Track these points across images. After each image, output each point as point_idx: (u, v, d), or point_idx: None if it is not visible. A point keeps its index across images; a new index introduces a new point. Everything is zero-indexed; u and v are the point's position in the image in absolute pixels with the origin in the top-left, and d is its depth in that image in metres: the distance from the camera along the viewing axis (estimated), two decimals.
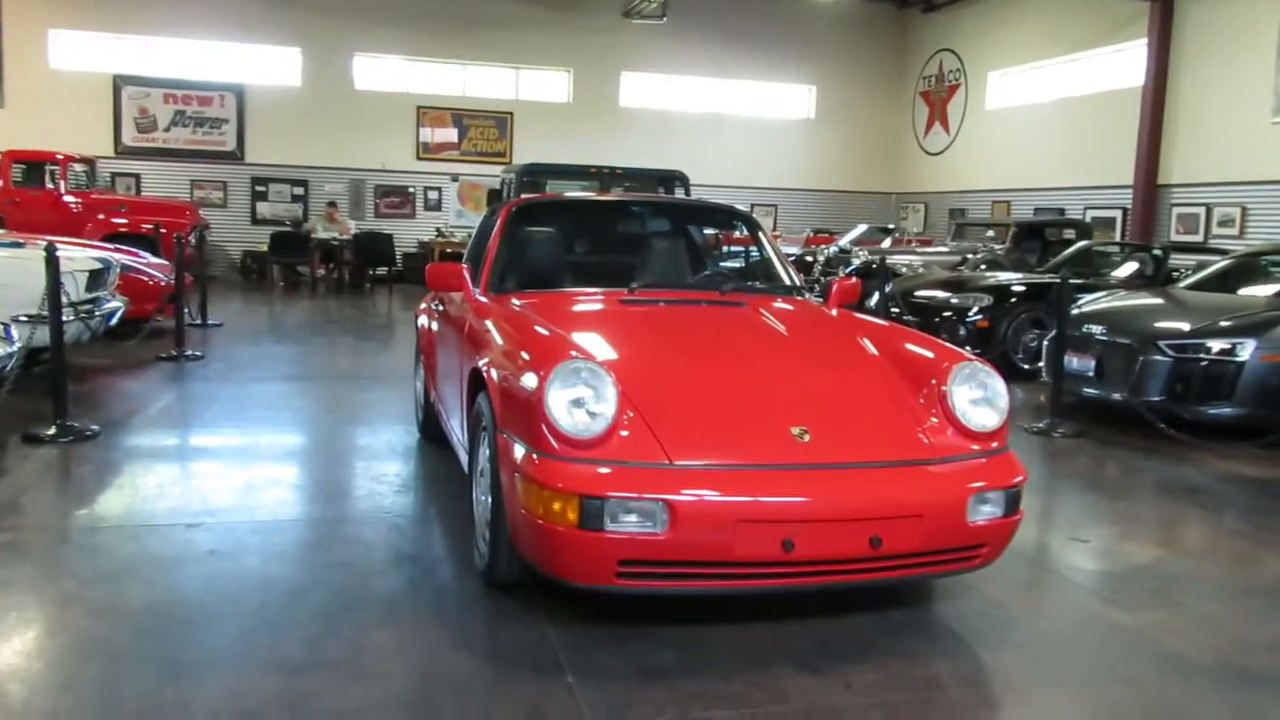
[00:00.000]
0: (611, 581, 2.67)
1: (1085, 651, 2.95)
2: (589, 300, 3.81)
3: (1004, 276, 8.82)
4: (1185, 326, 6.04)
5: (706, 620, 2.97)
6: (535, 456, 2.72)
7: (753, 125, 18.04)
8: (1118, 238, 13.08)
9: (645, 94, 17.69)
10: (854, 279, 4.25)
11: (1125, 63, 13.68)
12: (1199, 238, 12.25)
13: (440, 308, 4.67)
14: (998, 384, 3.10)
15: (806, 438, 2.84)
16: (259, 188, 16.16)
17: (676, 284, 4.11)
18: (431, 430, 4.95)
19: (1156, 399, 5.93)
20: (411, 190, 16.78)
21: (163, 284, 8.20)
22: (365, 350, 9.22)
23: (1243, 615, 3.27)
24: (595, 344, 3.09)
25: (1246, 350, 5.80)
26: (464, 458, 3.68)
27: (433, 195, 16.91)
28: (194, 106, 15.68)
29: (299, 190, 16.35)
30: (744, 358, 3.26)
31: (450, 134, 16.85)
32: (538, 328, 3.28)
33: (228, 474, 4.53)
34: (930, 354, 3.29)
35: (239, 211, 16.09)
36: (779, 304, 3.94)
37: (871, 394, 3.12)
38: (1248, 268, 7.35)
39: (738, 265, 4.72)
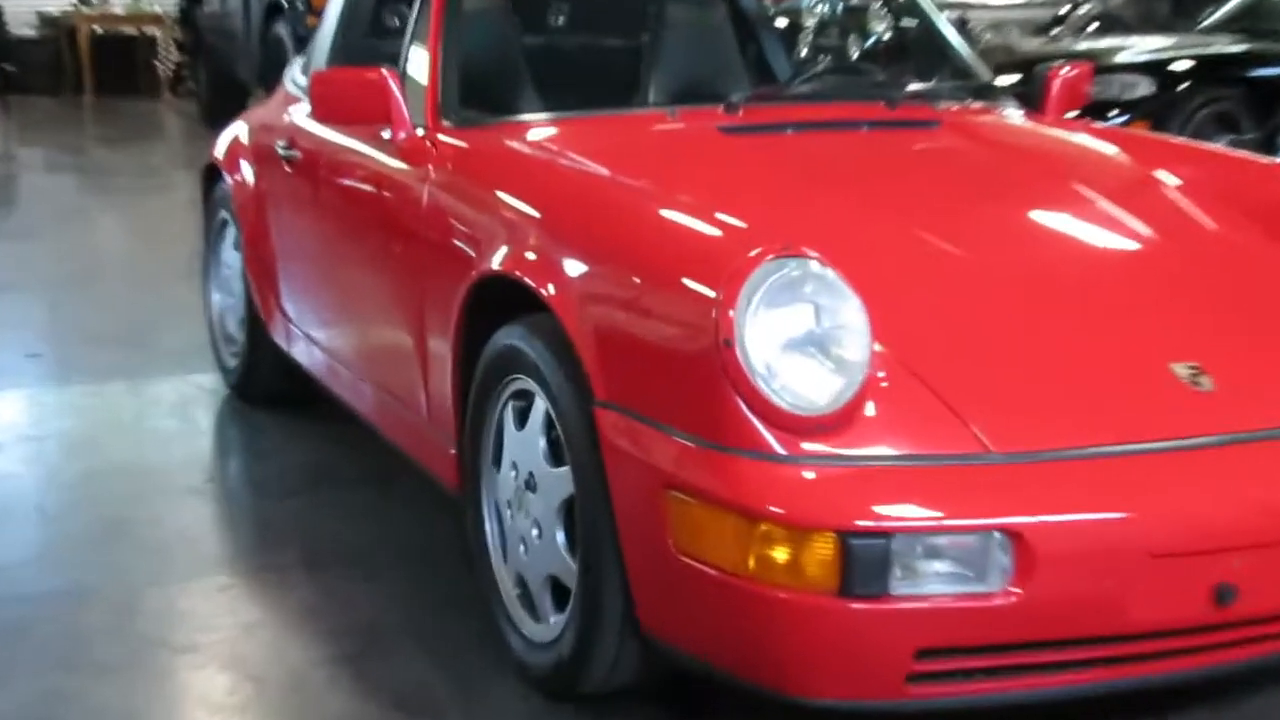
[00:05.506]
0: (899, 693, 2.36)
1: None
2: (658, 132, 3.49)
3: (1150, 44, 8.66)
4: None
5: None
6: (717, 453, 2.36)
7: None
8: None
9: None
10: (1081, 65, 4.03)
11: None
12: None
13: (294, 155, 4.17)
14: None
15: (1204, 382, 2.58)
16: None
17: (791, 91, 3.83)
18: (263, 386, 4.70)
19: None
20: None
21: None
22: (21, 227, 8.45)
23: None
24: (766, 221, 2.71)
25: None
26: (434, 447, 3.33)
27: None
28: None
29: None
30: (1021, 231, 3.06)
31: None
32: (643, 189, 2.94)
33: None
34: None
35: None
36: (986, 120, 3.78)
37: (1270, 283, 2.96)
38: None
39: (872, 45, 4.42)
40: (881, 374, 2.43)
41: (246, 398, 4.75)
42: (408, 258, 3.37)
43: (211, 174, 4.82)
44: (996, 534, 2.27)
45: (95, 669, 2.97)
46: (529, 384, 2.80)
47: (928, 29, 4.16)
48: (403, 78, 3.65)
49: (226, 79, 12.08)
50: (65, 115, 13.63)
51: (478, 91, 3.58)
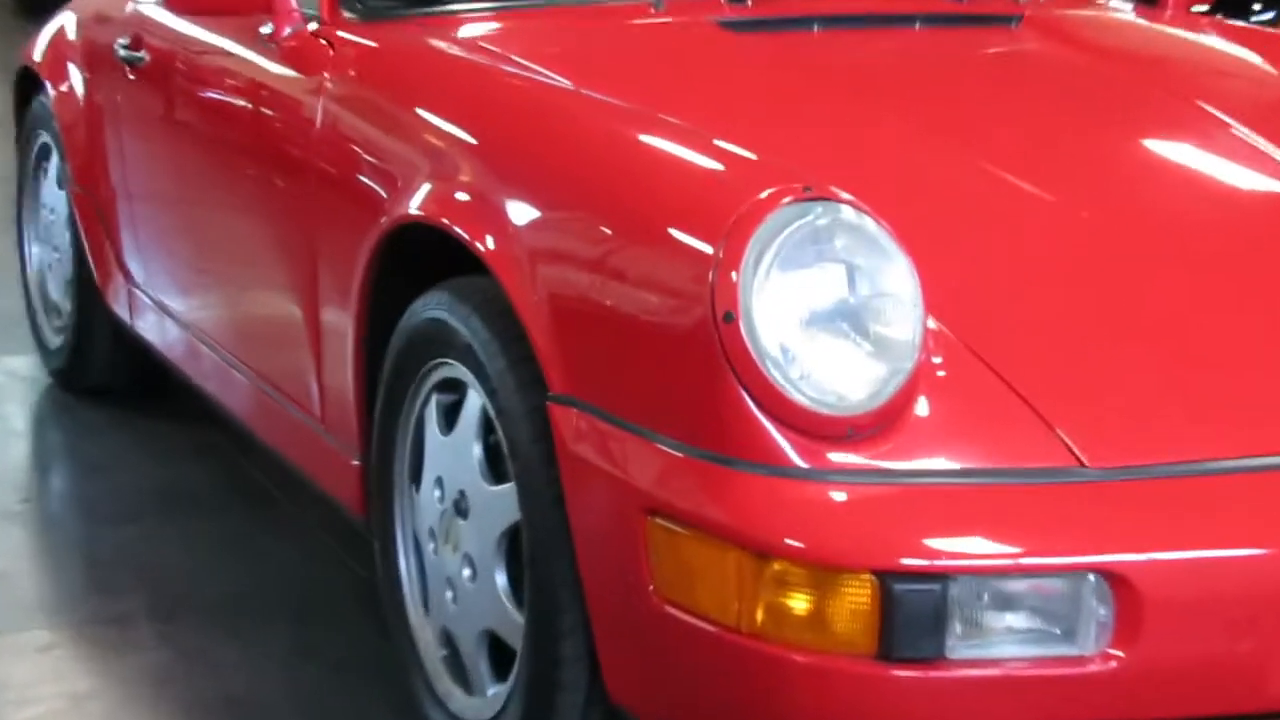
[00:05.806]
0: None
1: None
2: (637, 27, 3.57)
3: None
4: None
5: None
6: (714, 466, 2.36)
7: None
8: None
9: None
10: None
11: None
12: None
13: (140, 58, 4.16)
14: None
15: None
16: None
17: None
18: (97, 373, 4.80)
19: None
20: None
21: None
22: None
23: None
24: (783, 150, 2.70)
25: None
26: (330, 457, 3.37)
27: None
28: None
29: None
30: (1127, 168, 3.10)
31: None
32: (616, 108, 2.93)
33: None
34: None
35: None
36: (1082, 15, 3.97)
37: None
38: None
39: None
40: (938, 359, 2.42)
41: (75, 388, 4.75)
42: (295, 198, 3.34)
43: (27, 83, 4.80)
44: (1091, 576, 2.24)
45: None
46: (459, 371, 2.77)
47: None
48: None
49: None
50: None
51: None
